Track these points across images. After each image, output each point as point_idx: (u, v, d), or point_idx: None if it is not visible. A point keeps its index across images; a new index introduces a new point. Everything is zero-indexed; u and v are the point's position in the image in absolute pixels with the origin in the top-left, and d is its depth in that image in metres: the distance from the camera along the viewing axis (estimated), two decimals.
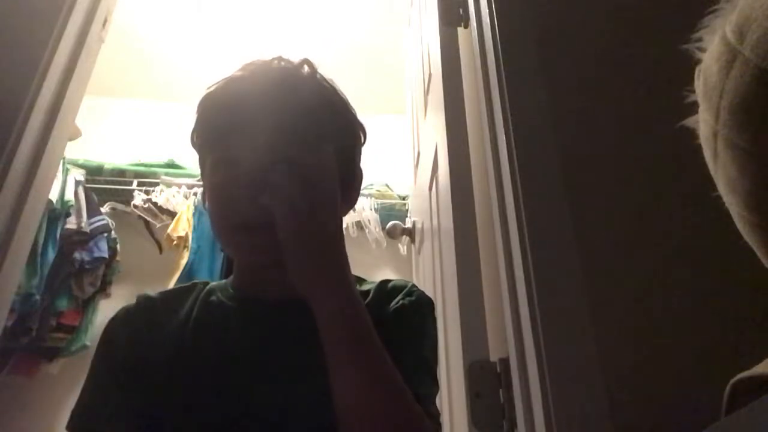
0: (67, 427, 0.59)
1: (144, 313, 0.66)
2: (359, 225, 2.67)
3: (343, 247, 0.55)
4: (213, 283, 0.70)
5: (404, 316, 0.64)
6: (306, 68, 0.66)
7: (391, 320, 0.62)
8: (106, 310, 2.37)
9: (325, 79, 0.67)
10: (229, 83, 0.63)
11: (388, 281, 0.70)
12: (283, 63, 0.65)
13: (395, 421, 0.50)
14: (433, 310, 0.69)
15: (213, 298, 0.67)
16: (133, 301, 0.69)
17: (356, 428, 0.49)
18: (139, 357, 0.60)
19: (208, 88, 0.64)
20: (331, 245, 0.53)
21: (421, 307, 0.67)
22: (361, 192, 3.27)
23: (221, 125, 0.62)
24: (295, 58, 0.66)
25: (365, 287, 0.69)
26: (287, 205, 0.52)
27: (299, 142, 0.58)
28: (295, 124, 0.59)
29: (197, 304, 0.66)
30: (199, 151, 0.67)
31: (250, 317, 0.63)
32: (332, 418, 0.52)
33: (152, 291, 0.70)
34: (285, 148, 0.58)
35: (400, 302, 0.65)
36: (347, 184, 0.66)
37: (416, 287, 0.69)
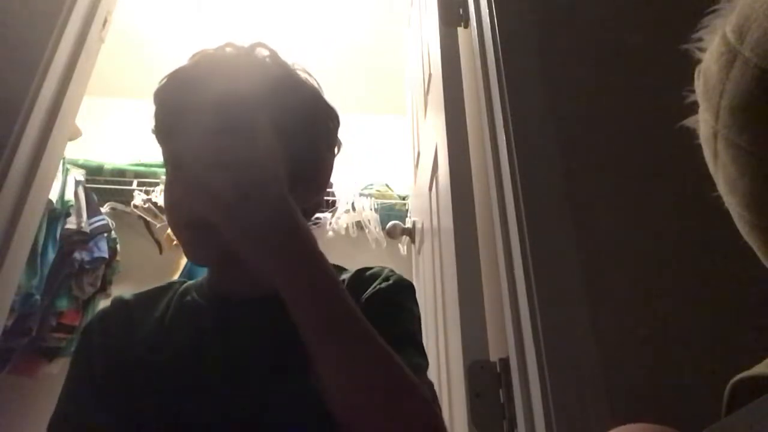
0: (48, 430, 0.58)
1: (119, 316, 0.65)
2: (359, 225, 2.67)
3: (302, 231, 0.49)
4: (189, 282, 0.70)
5: (381, 298, 0.63)
6: (259, 51, 0.63)
7: (368, 305, 0.61)
8: None
9: (280, 61, 0.65)
10: (173, 77, 0.62)
11: (366, 269, 0.68)
12: (229, 49, 0.63)
13: (391, 395, 0.48)
14: (413, 293, 0.68)
15: (188, 297, 0.66)
16: None
17: (354, 409, 0.47)
18: (115, 360, 0.60)
19: (159, 81, 0.63)
20: (281, 233, 0.48)
21: (398, 290, 0.65)
22: (361, 192, 3.23)
23: (165, 122, 0.61)
24: (247, 43, 0.64)
25: (342, 276, 0.68)
26: (224, 209, 0.47)
27: (240, 133, 0.53)
28: (236, 115, 0.55)
29: (172, 304, 0.65)
30: (159, 144, 0.65)
31: (225, 316, 0.63)
32: (308, 415, 0.51)
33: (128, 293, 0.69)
34: (225, 141, 0.52)
35: (377, 287, 0.64)
36: (308, 168, 0.63)
37: (393, 272, 0.68)
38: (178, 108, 0.59)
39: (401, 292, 0.66)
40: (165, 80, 0.62)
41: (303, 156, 0.61)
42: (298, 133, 0.61)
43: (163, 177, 2.57)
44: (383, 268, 0.68)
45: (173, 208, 0.61)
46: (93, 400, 0.58)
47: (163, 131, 0.62)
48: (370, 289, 0.64)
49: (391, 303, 0.63)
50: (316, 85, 0.68)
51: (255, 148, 0.50)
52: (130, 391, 0.57)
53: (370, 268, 0.69)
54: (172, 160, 0.62)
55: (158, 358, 0.59)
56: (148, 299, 0.68)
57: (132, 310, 0.66)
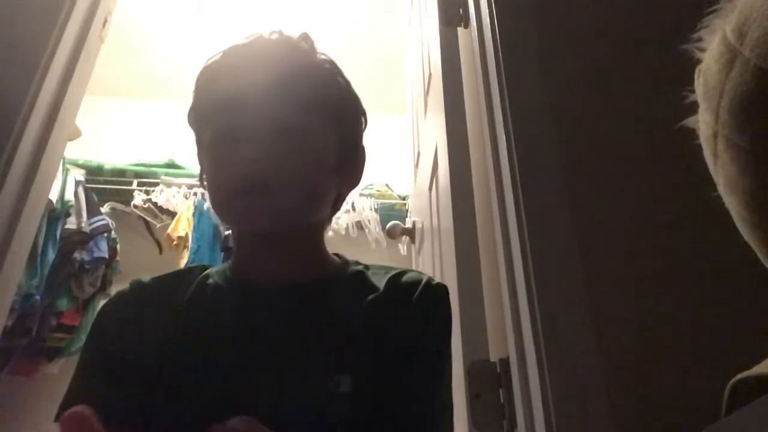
0: (56, 420, 0.57)
1: (136, 300, 0.65)
2: (359, 225, 2.67)
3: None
4: (211, 268, 0.69)
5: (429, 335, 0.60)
6: (305, 42, 0.67)
7: (416, 322, 0.60)
8: None
9: (324, 55, 0.68)
10: (227, 54, 0.64)
11: (399, 275, 0.64)
12: (277, 36, 0.65)
13: None
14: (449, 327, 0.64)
15: (209, 281, 0.65)
16: None
17: None
18: (131, 344, 0.59)
19: (207, 60, 0.64)
20: None
21: (439, 335, 0.62)
22: (361, 192, 3.23)
23: (221, 95, 0.62)
24: (294, 33, 0.67)
25: (373, 278, 0.64)
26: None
27: (297, 107, 0.59)
28: (294, 91, 0.60)
29: (192, 288, 0.64)
30: (197, 126, 0.66)
31: (246, 300, 0.62)
32: (319, 412, 0.52)
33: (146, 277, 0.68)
34: (283, 113, 0.59)
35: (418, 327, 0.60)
36: (350, 158, 0.67)
37: (432, 281, 0.64)
38: (237, 83, 0.61)
39: (440, 336, 0.62)
40: (217, 58, 0.64)
41: (348, 140, 0.67)
42: (345, 119, 0.67)
43: (164, 177, 2.59)
44: (420, 276, 0.64)
45: (225, 180, 0.60)
46: (106, 382, 0.58)
47: (216, 105, 0.63)
48: (416, 301, 0.61)
49: (432, 347, 0.60)
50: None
51: (311, 122, 0.60)
52: (144, 375, 0.57)
53: (403, 274, 0.64)
54: (223, 133, 0.61)
55: (174, 340, 0.59)
56: (166, 283, 0.67)
57: (150, 294, 0.65)
